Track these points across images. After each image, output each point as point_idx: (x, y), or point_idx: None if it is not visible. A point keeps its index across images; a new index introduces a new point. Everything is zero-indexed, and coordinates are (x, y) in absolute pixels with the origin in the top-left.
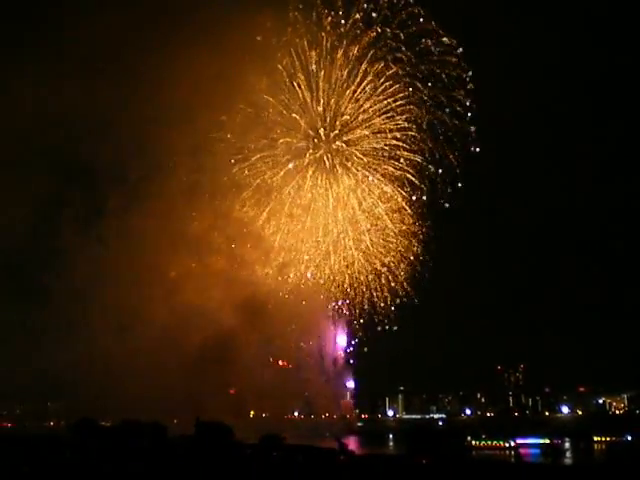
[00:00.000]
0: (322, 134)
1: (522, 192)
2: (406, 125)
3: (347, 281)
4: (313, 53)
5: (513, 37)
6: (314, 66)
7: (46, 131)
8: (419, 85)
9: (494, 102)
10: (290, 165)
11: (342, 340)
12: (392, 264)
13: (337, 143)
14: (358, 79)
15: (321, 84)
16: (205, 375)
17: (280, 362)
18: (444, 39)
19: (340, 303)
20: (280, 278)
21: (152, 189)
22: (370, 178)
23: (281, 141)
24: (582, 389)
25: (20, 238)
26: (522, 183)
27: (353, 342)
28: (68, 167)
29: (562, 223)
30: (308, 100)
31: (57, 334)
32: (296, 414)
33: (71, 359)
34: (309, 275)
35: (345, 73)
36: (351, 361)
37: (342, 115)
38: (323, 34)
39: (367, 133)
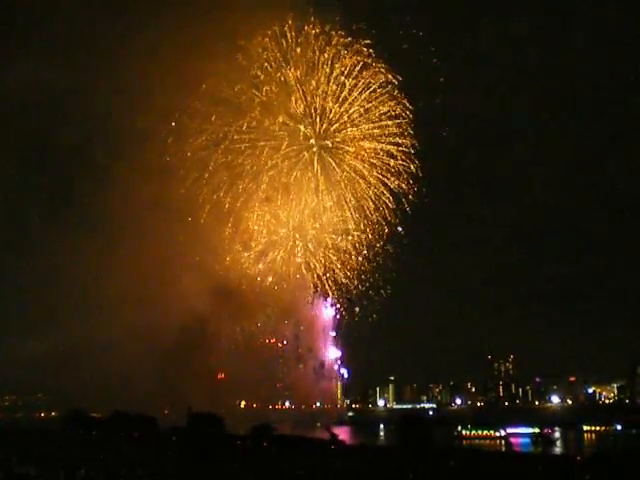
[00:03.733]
0: (304, 123)
1: (510, 187)
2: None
3: (330, 268)
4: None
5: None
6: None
7: (12, 117)
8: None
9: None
10: (265, 151)
11: (324, 326)
12: (379, 251)
13: (323, 135)
14: (334, 66)
15: (296, 67)
16: (184, 363)
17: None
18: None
19: (323, 290)
20: (261, 265)
21: (120, 172)
22: (349, 166)
23: (250, 126)
24: (572, 379)
25: None
26: (514, 178)
27: (338, 329)
28: (35, 152)
29: (554, 216)
30: (286, 81)
31: (31, 324)
32: (287, 404)
33: (48, 350)
34: (289, 260)
35: (324, 60)
36: (334, 347)
37: (321, 104)
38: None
39: (347, 118)
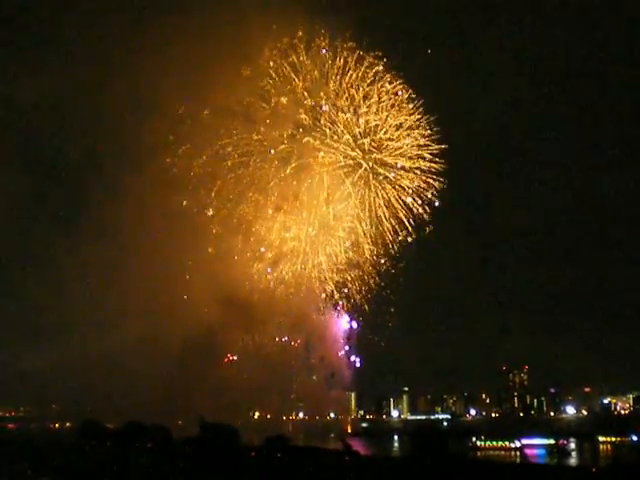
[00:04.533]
0: (314, 135)
1: (520, 193)
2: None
3: (342, 280)
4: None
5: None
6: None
7: (22, 128)
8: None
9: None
10: (274, 163)
11: (336, 337)
12: (390, 265)
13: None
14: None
15: (305, 79)
16: (196, 375)
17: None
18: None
19: (335, 299)
20: (274, 274)
21: (131, 184)
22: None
23: (258, 138)
24: (587, 389)
25: None
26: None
27: (351, 340)
28: (44, 161)
29: (566, 223)
30: (295, 93)
31: (44, 335)
32: (301, 415)
33: (60, 361)
34: (300, 271)
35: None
36: (346, 355)
37: (330, 116)
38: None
39: (357, 130)
